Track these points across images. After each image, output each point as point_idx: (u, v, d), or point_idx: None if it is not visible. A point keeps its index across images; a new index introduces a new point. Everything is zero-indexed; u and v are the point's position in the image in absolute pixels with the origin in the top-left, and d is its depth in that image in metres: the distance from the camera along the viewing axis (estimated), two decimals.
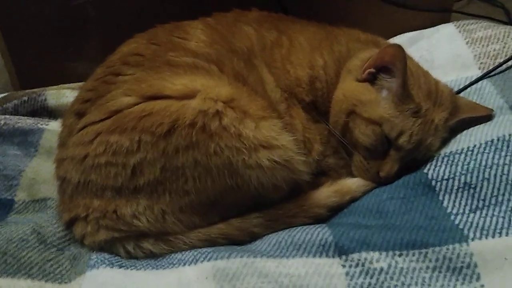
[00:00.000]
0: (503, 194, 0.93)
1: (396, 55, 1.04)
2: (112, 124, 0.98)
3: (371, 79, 1.10)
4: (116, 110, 0.99)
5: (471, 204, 0.94)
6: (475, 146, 1.02)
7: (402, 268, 0.88)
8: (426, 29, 1.52)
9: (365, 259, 0.90)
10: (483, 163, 0.98)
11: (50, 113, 1.47)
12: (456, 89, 1.25)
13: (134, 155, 0.95)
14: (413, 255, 0.88)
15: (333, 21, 1.30)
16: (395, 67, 1.05)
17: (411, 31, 1.56)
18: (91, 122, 1.01)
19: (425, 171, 1.03)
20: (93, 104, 1.05)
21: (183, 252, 0.99)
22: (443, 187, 0.99)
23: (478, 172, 0.97)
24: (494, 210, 0.91)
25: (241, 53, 1.15)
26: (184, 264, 0.96)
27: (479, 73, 1.28)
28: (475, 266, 0.85)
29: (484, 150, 1.00)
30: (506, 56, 1.28)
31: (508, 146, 0.99)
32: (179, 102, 0.97)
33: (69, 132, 1.07)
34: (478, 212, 0.92)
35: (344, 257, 0.91)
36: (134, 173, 0.96)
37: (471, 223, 0.90)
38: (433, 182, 1.00)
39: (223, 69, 1.09)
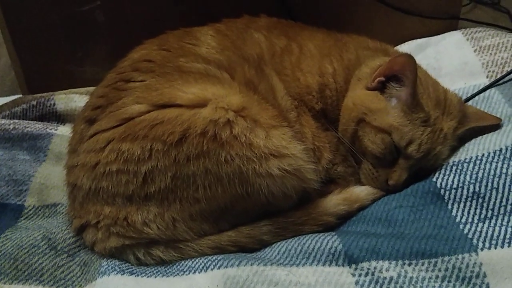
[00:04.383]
0: None
1: (406, 64, 1.04)
2: (123, 132, 0.98)
3: (381, 88, 1.10)
4: (128, 117, 1.00)
5: (480, 213, 0.95)
6: (483, 155, 1.03)
7: (411, 278, 0.88)
8: (434, 37, 1.53)
9: (375, 268, 0.90)
10: (492, 172, 0.98)
11: (59, 117, 1.47)
12: (464, 97, 1.25)
13: (145, 163, 0.96)
14: (423, 264, 0.89)
15: (340, 28, 1.31)
16: (405, 76, 1.05)
17: (418, 38, 1.56)
18: (103, 129, 1.01)
19: (434, 179, 1.04)
20: (104, 111, 1.05)
21: (193, 260, 1.00)
22: (452, 196, 0.99)
23: (487, 181, 0.97)
24: (503, 219, 0.92)
25: (252, 60, 1.16)
26: (195, 272, 0.97)
27: (487, 82, 1.28)
28: (484, 275, 0.85)
29: (493, 159, 1.01)
30: None
31: None
32: (190, 111, 0.97)
33: (80, 138, 1.07)
34: (487, 222, 0.93)
35: (353, 265, 0.92)
36: (145, 181, 0.97)
37: (480, 232, 0.91)
38: (442, 191, 1.01)
39: (234, 76, 1.09)
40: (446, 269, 0.87)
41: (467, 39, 1.42)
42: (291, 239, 1.01)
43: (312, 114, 1.17)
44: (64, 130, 1.38)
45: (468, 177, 1.00)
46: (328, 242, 0.97)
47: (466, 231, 0.92)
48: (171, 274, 0.98)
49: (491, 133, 1.08)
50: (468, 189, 0.98)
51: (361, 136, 1.09)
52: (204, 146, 0.95)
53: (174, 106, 0.99)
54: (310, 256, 0.95)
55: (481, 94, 1.25)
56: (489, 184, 0.97)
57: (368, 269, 0.91)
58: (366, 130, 1.08)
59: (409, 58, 1.03)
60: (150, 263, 1.01)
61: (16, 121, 1.40)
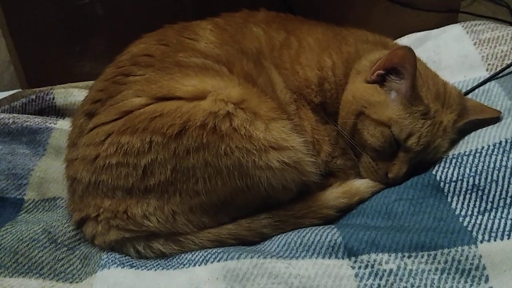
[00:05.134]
0: (511, 197, 0.93)
1: (405, 57, 1.04)
2: (123, 125, 0.98)
3: (380, 81, 1.10)
4: (127, 110, 1.00)
5: (480, 206, 0.95)
6: (483, 148, 1.03)
7: (411, 270, 0.88)
8: (433, 30, 1.52)
9: (374, 260, 0.91)
10: (491, 165, 0.98)
11: (58, 112, 1.47)
12: (463, 90, 1.25)
13: (145, 156, 0.96)
14: (422, 257, 0.89)
15: (339, 21, 1.31)
16: (404, 69, 1.05)
17: (418, 31, 1.56)
18: (102, 122, 1.01)
19: (434, 172, 1.04)
20: (103, 104, 1.05)
21: (193, 253, 1.00)
22: (452, 189, 0.99)
23: (487, 174, 0.97)
24: (502, 212, 0.92)
25: (250, 54, 1.15)
26: (194, 265, 0.97)
27: (486, 75, 1.28)
28: (484, 268, 0.86)
29: (493, 152, 1.01)
30: None
31: None
32: (190, 103, 0.97)
33: (80, 132, 1.07)
34: (486, 214, 0.93)
35: (353, 258, 0.92)
36: (145, 174, 0.97)
37: (480, 225, 0.91)
38: (442, 184, 1.01)
39: (232, 70, 1.09)
40: (446, 262, 0.87)
41: (467, 32, 1.42)
42: (290, 232, 1.02)
43: (311, 107, 1.17)
44: (64, 124, 1.38)
45: (467, 170, 1.00)
46: (327, 235, 0.97)
47: (465, 223, 0.92)
48: (171, 267, 0.99)
49: (491, 126, 1.08)
50: (467, 181, 0.98)
51: (361, 129, 1.09)
52: (204, 139, 0.95)
53: (173, 99, 0.99)
54: (310, 248, 0.95)
55: (481, 87, 1.25)
56: (489, 177, 0.97)
57: (368, 261, 0.91)
58: (366, 123, 1.08)
59: (409, 50, 1.03)
60: (150, 256, 1.02)
61: (16, 115, 1.40)
